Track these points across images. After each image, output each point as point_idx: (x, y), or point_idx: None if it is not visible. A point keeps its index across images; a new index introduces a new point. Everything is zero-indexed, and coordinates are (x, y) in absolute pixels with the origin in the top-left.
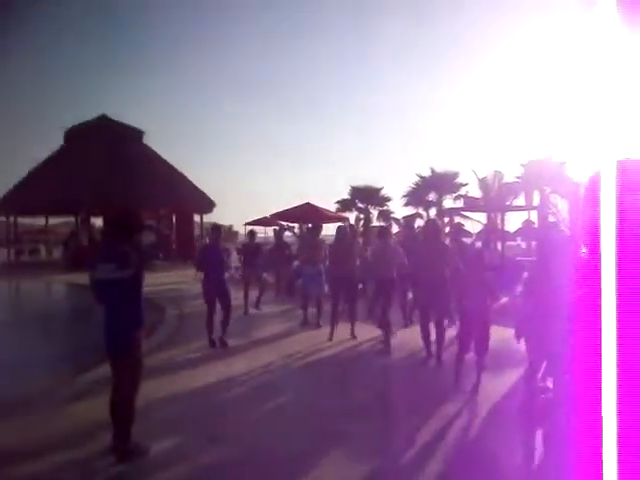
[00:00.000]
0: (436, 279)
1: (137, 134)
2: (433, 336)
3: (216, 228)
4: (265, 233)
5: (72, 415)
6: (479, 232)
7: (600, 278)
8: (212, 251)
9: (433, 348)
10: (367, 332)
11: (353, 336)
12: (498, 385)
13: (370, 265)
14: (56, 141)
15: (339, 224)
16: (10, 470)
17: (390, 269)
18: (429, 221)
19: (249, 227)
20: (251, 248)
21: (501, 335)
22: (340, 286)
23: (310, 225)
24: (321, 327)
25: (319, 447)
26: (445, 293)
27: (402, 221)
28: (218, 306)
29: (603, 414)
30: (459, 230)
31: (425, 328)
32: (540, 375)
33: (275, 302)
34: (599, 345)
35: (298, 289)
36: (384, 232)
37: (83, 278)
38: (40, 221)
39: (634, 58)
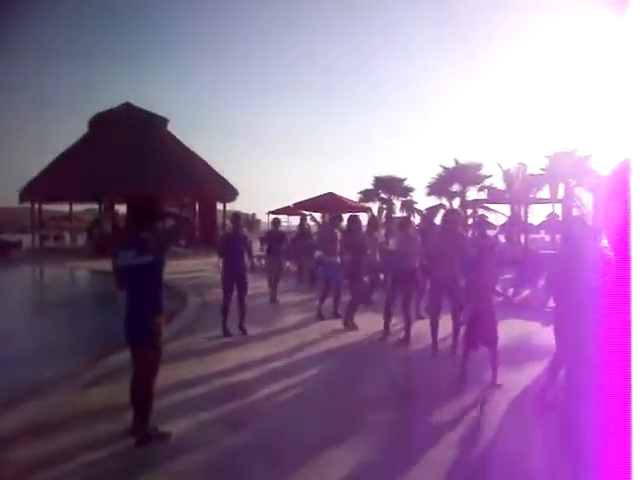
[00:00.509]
0: (450, 270)
1: (161, 121)
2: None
3: (236, 216)
4: (288, 222)
5: (93, 399)
6: (502, 224)
7: (629, 272)
8: (232, 239)
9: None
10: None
11: (346, 324)
12: (516, 378)
13: (391, 256)
14: (81, 129)
15: (352, 214)
16: (32, 450)
17: (410, 260)
18: (449, 210)
19: (272, 216)
20: (275, 236)
21: (523, 328)
22: (351, 277)
23: (330, 215)
24: (340, 316)
25: (338, 434)
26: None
27: (424, 212)
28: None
29: (632, 414)
30: (483, 223)
31: (434, 320)
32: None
33: (297, 291)
34: (627, 342)
35: (319, 278)
36: (405, 223)
37: (106, 265)
38: (64, 208)
39: None
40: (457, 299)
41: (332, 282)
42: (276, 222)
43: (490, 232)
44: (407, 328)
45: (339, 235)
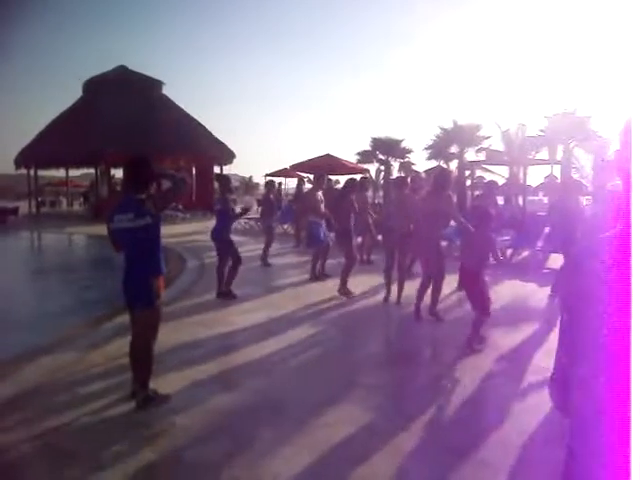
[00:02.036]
0: (434, 232)
1: (156, 84)
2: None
3: (222, 179)
4: (285, 184)
5: (94, 362)
6: (501, 186)
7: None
8: (219, 202)
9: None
10: (377, 284)
11: (340, 290)
12: (512, 338)
13: (388, 216)
14: (75, 93)
15: (350, 177)
16: (32, 413)
17: (406, 220)
18: (441, 170)
19: (268, 178)
20: (270, 199)
21: (522, 290)
22: (341, 240)
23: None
24: (328, 277)
25: (335, 395)
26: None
27: (422, 174)
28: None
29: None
30: (493, 189)
31: (422, 282)
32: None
33: (294, 253)
34: (629, 329)
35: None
36: (400, 182)
37: (104, 229)
38: (60, 173)
39: None
40: (436, 263)
41: (318, 243)
42: (269, 185)
43: (499, 197)
44: (399, 289)
45: (320, 196)
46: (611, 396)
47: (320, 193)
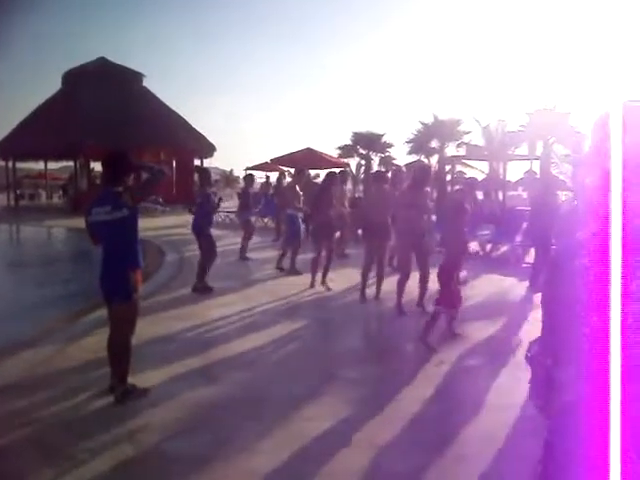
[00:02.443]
0: (413, 225)
1: (137, 77)
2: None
3: (202, 171)
4: (266, 178)
5: (71, 356)
6: (480, 181)
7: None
8: (199, 196)
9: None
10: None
11: (323, 282)
12: (492, 332)
13: (364, 210)
14: (54, 85)
15: (330, 170)
16: (11, 407)
17: (384, 214)
18: (421, 166)
19: (247, 172)
20: (248, 193)
21: (501, 284)
22: (322, 233)
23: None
24: (299, 274)
25: (314, 389)
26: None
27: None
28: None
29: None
30: (473, 185)
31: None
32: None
33: (274, 247)
34: (606, 324)
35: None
36: (379, 176)
37: (83, 222)
38: (39, 166)
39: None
40: (421, 255)
41: (297, 236)
42: (247, 178)
43: (478, 193)
44: (378, 284)
45: (298, 190)
46: (593, 396)
47: (298, 187)
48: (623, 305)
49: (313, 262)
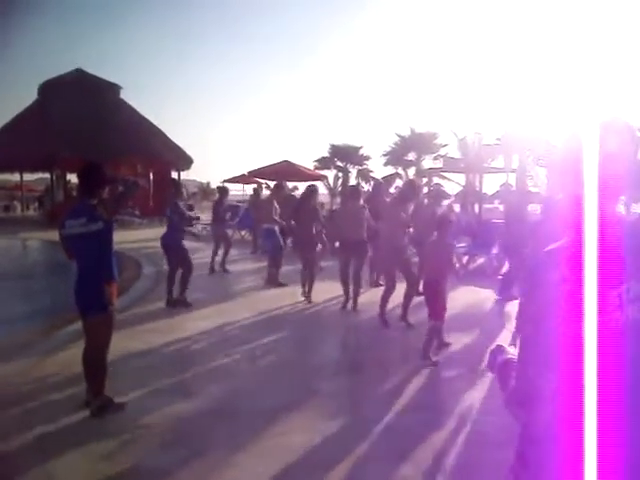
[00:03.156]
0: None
1: (113, 88)
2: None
3: (173, 183)
4: (243, 191)
5: (47, 370)
6: (457, 194)
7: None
8: (169, 208)
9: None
10: (335, 291)
11: (306, 295)
12: (466, 344)
13: (339, 225)
14: (30, 96)
15: (310, 183)
16: None
17: (359, 230)
18: (410, 181)
19: (220, 184)
20: (221, 205)
21: (477, 296)
22: (303, 247)
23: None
24: (284, 285)
25: (293, 402)
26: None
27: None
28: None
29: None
30: (439, 193)
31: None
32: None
33: (251, 259)
34: (578, 329)
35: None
36: (354, 192)
37: (58, 235)
38: (15, 177)
39: (611, 14)
40: (405, 269)
41: (270, 250)
42: (220, 191)
43: (445, 201)
44: (355, 296)
45: (276, 204)
46: (573, 406)
47: (276, 201)
48: (602, 315)
49: (302, 274)
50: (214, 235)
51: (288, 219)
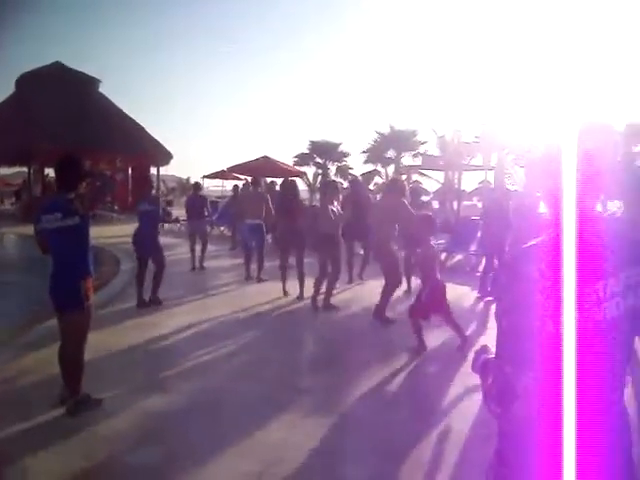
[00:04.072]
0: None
1: (93, 82)
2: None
3: (145, 178)
4: (223, 186)
5: (23, 367)
6: (436, 191)
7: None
8: (143, 203)
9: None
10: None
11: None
12: (444, 341)
13: (315, 221)
14: (7, 89)
15: (287, 178)
16: None
17: (333, 225)
18: (393, 178)
19: (195, 180)
20: (195, 201)
21: (455, 293)
22: (287, 241)
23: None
24: (264, 281)
25: (274, 398)
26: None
27: (359, 178)
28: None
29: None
30: (418, 190)
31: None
32: None
33: (230, 256)
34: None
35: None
36: (330, 187)
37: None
38: None
39: (595, 16)
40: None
41: (251, 248)
42: (196, 186)
43: (424, 198)
44: (327, 292)
45: (263, 198)
46: (551, 402)
47: (261, 195)
48: (579, 312)
49: (281, 270)
50: (190, 231)
51: (275, 214)
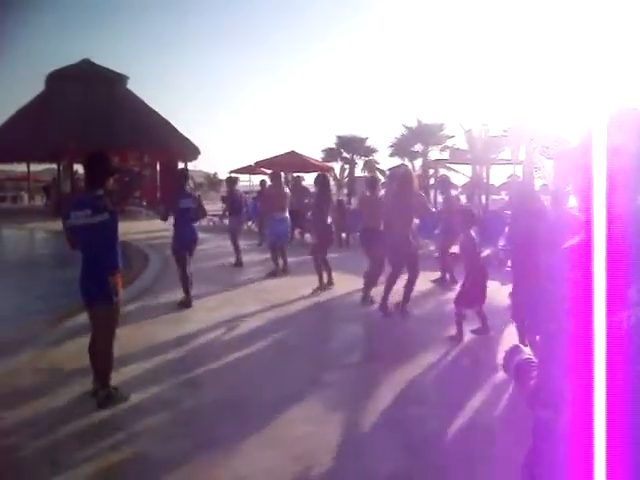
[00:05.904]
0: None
1: (121, 79)
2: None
3: (182, 172)
4: (250, 181)
5: (54, 361)
6: (464, 185)
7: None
8: (184, 200)
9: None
10: (348, 282)
11: (330, 283)
12: (474, 336)
13: (357, 215)
14: (37, 86)
15: (318, 173)
16: None
17: (377, 220)
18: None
19: (228, 175)
20: (236, 197)
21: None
22: (322, 236)
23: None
24: (288, 275)
25: (301, 393)
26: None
27: (387, 172)
28: None
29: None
30: (446, 183)
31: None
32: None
33: (258, 251)
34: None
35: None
36: (372, 182)
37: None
38: (22, 168)
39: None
40: (410, 260)
41: (276, 243)
42: (234, 181)
43: (453, 191)
44: (367, 289)
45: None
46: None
47: (283, 190)
48: (618, 313)
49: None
50: (231, 227)
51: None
